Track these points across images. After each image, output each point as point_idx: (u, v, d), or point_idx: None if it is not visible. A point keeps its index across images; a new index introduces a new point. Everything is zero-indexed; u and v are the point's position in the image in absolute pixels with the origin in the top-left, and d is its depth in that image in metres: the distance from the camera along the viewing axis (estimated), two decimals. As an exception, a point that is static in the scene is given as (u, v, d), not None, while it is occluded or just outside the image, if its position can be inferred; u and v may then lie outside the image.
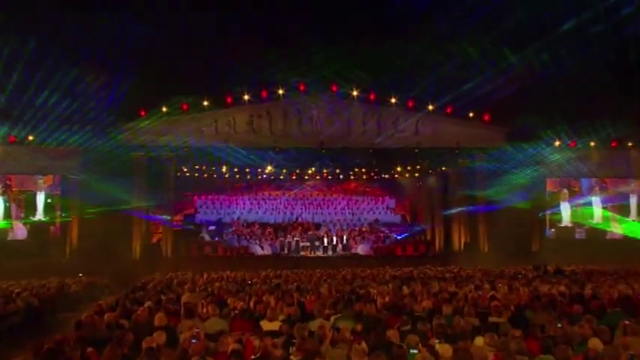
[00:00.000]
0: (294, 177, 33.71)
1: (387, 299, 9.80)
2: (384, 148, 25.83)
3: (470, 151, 25.98)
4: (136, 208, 24.64)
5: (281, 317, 8.25)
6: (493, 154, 25.25)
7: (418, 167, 31.47)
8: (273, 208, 33.85)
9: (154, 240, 27.83)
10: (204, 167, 30.37)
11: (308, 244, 28.42)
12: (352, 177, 34.56)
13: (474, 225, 26.96)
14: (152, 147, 24.34)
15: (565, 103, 23.53)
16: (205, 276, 16.95)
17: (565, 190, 27.84)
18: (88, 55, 22.55)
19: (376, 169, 33.04)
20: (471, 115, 25.10)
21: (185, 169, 30.04)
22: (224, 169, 30.76)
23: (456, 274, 17.21)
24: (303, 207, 34.07)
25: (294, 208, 33.94)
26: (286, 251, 28.07)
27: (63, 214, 25.18)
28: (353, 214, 33.83)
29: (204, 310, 8.90)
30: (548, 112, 23.66)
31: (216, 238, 28.94)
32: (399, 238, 29.92)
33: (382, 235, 30.13)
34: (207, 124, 24.80)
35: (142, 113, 23.69)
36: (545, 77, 23.08)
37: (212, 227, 30.47)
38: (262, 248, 28.09)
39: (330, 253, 28.00)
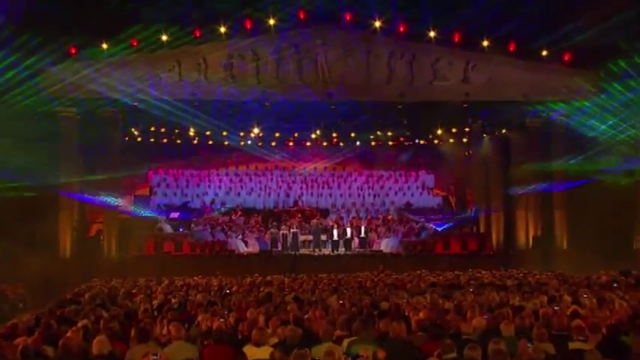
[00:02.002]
0: (290, 143, 33.68)
1: (422, 315, 9.81)
2: (419, 102, 25.84)
3: (543, 104, 25.88)
4: (66, 186, 24.71)
5: (273, 340, 8.33)
6: (577, 108, 25.02)
7: (468, 129, 31.38)
8: (261, 188, 33.95)
9: (92, 232, 27.96)
10: (163, 130, 30.35)
11: (311, 237, 28.58)
12: (373, 143, 34.50)
13: (548, 211, 27.04)
14: (88, 101, 24.27)
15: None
16: (165, 283, 17.16)
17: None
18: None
19: (408, 133, 32.95)
20: (544, 53, 24.89)
21: (136, 133, 30.11)
22: (192, 132, 30.75)
23: (521, 280, 17.35)
24: (304, 186, 34.17)
25: (290, 188, 34.03)
26: (280, 248, 28.21)
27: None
28: (374, 197, 33.94)
29: (164, 330, 8.98)
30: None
31: (181, 230, 29.03)
32: (439, 229, 29.95)
33: (416, 225, 30.17)
34: (167, 67, 24.77)
35: (73, 51, 23.54)
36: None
37: (175, 214, 30.53)
38: (246, 244, 28.23)
39: (341, 250, 28.14)
